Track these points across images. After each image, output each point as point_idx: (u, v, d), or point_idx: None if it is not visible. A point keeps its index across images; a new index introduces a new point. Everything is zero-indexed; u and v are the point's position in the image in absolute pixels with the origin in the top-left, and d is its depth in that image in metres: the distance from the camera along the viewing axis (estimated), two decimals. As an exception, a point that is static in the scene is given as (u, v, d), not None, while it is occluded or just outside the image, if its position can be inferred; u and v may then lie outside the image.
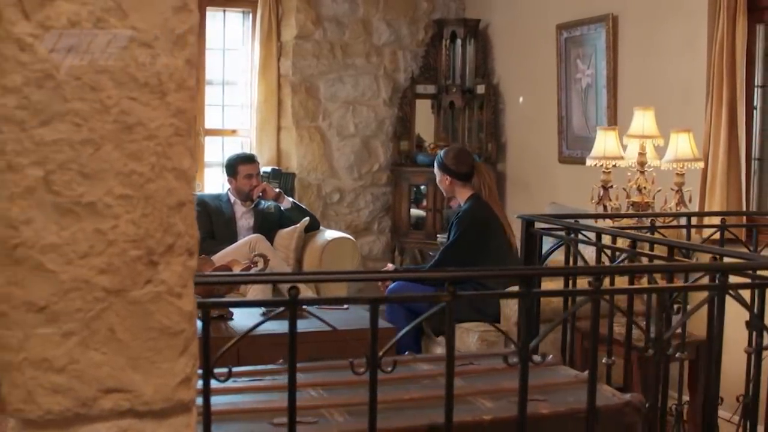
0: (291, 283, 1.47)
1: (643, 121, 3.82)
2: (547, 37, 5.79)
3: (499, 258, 4.30)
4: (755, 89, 4.31)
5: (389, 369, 1.63)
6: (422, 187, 6.68)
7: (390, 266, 5.42)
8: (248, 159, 5.75)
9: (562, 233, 2.71)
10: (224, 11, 6.77)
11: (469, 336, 4.13)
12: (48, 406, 1.20)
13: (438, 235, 5.81)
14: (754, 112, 4.31)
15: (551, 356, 2.37)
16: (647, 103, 4.69)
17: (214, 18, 6.70)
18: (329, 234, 5.59)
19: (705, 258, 2.93)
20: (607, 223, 3.71)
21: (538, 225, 2.80)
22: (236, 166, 5.64)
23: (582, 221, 2.91)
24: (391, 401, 1.99)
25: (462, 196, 4.55)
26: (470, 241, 4.32)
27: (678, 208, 3.71)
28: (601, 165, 3.90)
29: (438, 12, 6.99)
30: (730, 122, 4.18)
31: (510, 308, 3.91)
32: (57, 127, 1.17)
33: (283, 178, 6.47)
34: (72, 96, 1.17)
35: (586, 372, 2.28)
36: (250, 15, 6.77)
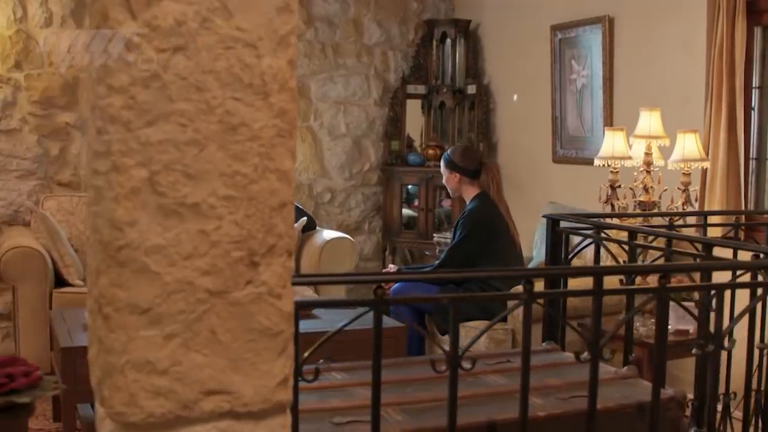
0: (376, 283, 1.48)
1: (649, 121, 3.87)
2: (540, 37, 5.83)
3: (504, 257, 4.32)
4: (753, 90, 4.38)
5: (469, 366, 1.64)
6: (412, 186, 6.69)
7: (392, 267, 5.41)
8: (243, 159, 5.71)
9: (585, 232, 2.73)
10: (214, 10, 6.72)
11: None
12: (150, 409, 1.19)
13: (435, 234, 5.82)
14: (752, 113, 4.38)
15: (586, 353, 2.40)
16: (644, 104, 4.74)
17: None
18: (327, 234, 5.58)
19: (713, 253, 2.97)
20: (613, 221, 3.74)
21: (564, 224, 2.82)
22: (231, 166, 5.60)
23: (602, 220, 2.94)
24: (443, 399, 1.99)
25: (469, 194, 4.55)
26: (477, 240, 4.34)
27: (684, 207, 3.76)
28: (604, 165, 3.94)
29: (428, 12, 7.00)
30: (729, 123, 4.25)
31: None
32: (162, 127, 1.16)
33: (274, 179, 6.44)
34: (178, 96, 1.16)
35: (625, 368, 2.31)
36: (240, 14, 6.73)
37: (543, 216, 2.91)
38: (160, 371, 1.19)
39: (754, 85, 4.40)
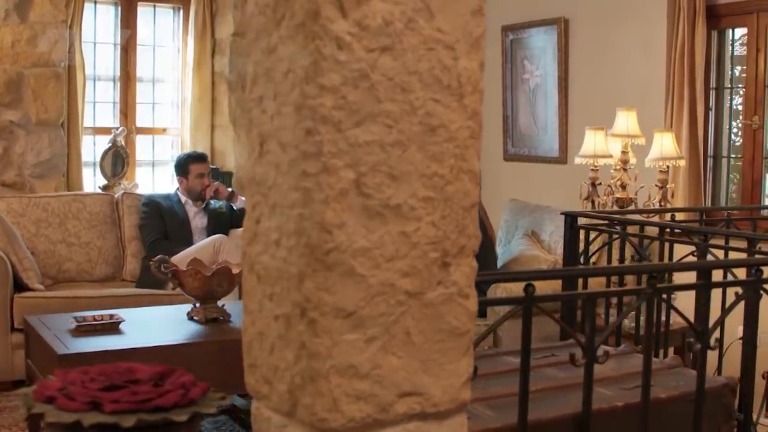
0: (526, 281, 1.50)
1: (626, 121, 4.01)
2: (490, 38, 5.92)
3: (484, 256, 4.37)
4: (711, 91, 4.59)
5: (603, 360, 1.68)
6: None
7: None
8: (199, 158, 5.59)
9: (602, 229, 2.81)
10: (154, 7, 6.55)
11: (459, 331, 4.19)
12: (351, 414, 1.18)
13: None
14: (710, 113, 4.59)
15: (624, 345, 2.48)
16: (602, 103, 4.90)
17: (143, 14, 6.47)
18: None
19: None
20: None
21: (582, 221, 2.90)
22: (187, 165, 5.47)
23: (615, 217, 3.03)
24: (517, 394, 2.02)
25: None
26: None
27: (662, 204, 3.91)
28: (586, 163, 4.06)
29: (370, 11, 7.01)
30: (690, 123, 4.44)
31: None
32: (369, 128, 1.15)
33: (220, 178, 6.33)
34: (385, 97, 1.15)
35: (668, 358, 2.40)
36: (181, 11, 6.58)
37: (561, 213, 2.98)
38: (361, 375, 1.18)
39: (711, 86, 4.61)
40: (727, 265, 2.04)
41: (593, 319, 1.68)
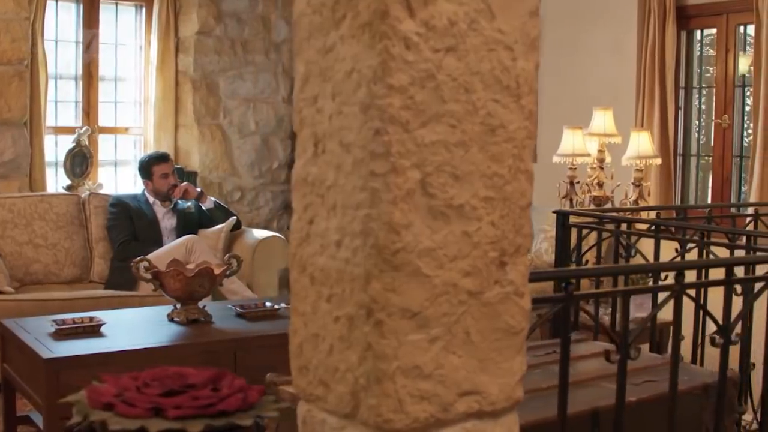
0: (567, 279, 1.51)
1: (603, 120, 4.07)
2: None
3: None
4: (680, 91, 4.69)
5: (635, 356, 1.70)
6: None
7: None
8: (161, 158, 5.52)
9: (599, 227, 2.85)
10: (116, 4, 6.43)
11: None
12: (415, 414, 1.18)
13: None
14: (679, 112, 4.69)
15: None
16: (572, 102, 4.98)
17: (105, 11, 6.35)
18: (258, 233, 5.49)
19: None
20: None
21: (574, 219, 2.93)
22: (150, 167, 5.40)
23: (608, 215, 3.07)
24: (533, 390, 2.04)
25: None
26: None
27: (638, 202, 3.98)
28: (563, 162, 4.11)
29: (335, 10, 6.99)
30: (661, 122, 4.54)
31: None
32: (435, 128, 1.15)
33: (185, 177, 6.26)
34: (449, 97, 1.16)
35: (668, 354, 2.44)
36: (144, 9, 6.48)
37: (553, 212, 3.01)
38: (425, 375, 1.18)
39: (680, 86, 4.71)
40: (756, 262, 2.09)
41: (627, 315, 1.70)
